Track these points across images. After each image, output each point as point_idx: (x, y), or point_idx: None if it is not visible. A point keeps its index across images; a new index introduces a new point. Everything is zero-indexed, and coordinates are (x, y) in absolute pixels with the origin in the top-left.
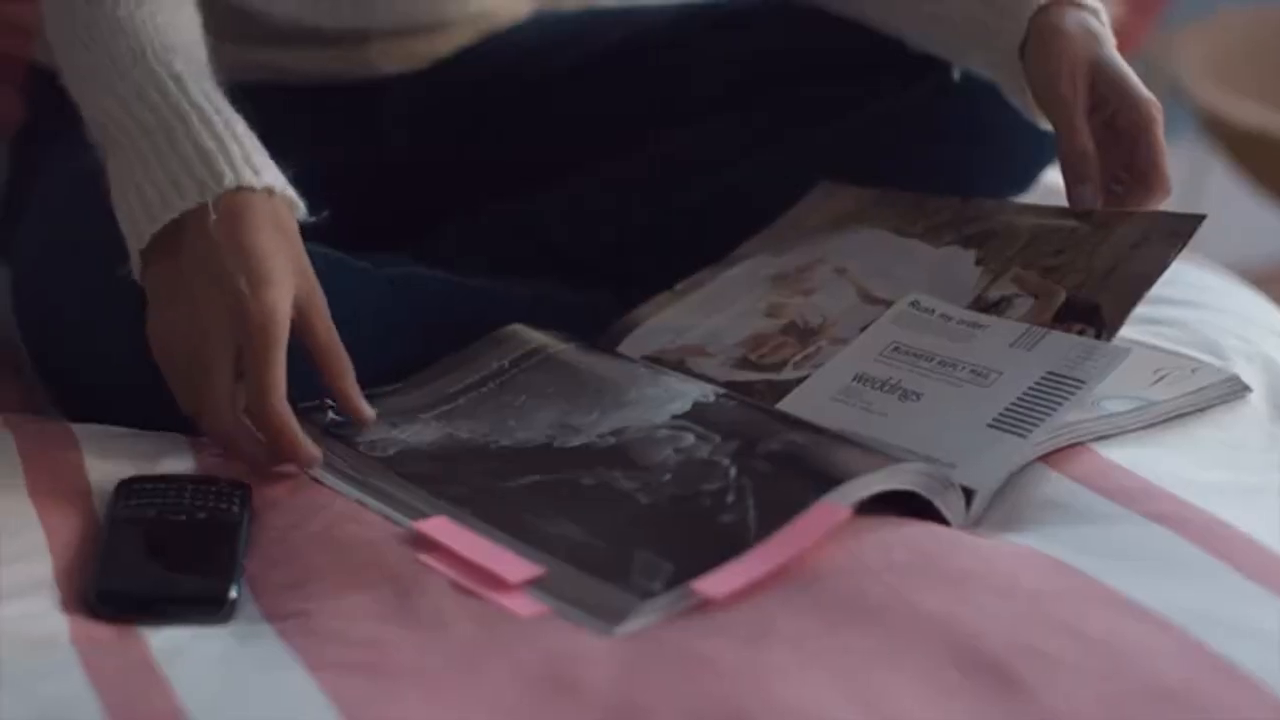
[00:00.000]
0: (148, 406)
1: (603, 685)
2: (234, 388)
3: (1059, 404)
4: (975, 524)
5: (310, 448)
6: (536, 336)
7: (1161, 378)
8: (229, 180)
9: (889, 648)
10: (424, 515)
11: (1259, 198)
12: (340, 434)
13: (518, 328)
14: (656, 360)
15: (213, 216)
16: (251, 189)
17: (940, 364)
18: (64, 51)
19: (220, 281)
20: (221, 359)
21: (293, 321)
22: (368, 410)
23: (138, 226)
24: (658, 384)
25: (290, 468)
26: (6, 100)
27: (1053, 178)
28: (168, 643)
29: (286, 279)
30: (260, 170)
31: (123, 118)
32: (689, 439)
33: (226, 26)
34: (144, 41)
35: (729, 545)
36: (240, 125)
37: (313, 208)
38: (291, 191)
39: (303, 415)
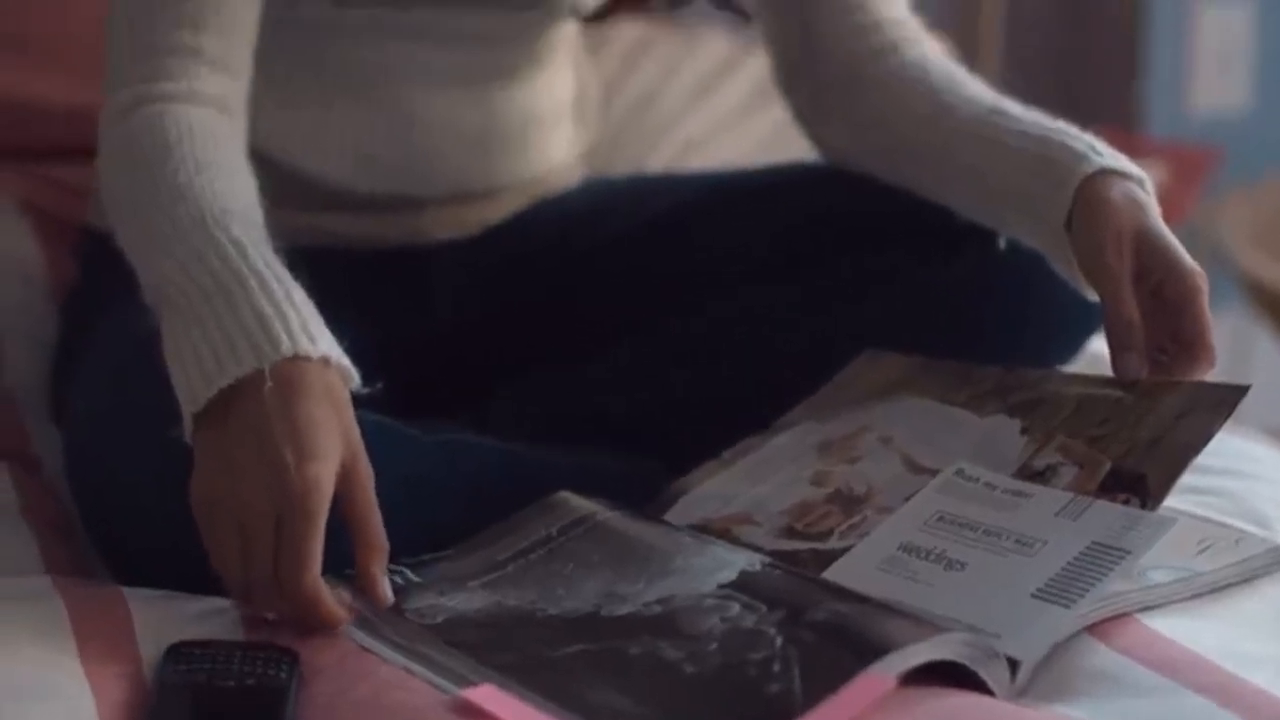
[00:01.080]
0: (198, 570)
1: None
2: (272, 556)
3: (1104, 574)
4: (1020, 694)
5: (340, 616)
6: (584, 504)
7: (1206, 548)
8: (285, 348)
9: None
10: (471, 683)
11: None
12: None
13: (565, 495)
14: (703, 528)
15: (268, 384)
16: (307, 358)
17: (985, 533)
18: (122, 214)
19: (266, 451)
20: (261, 528)
21: (335, 493)
22: (387, 594)
23: (192, 390)
24: (704, 553)
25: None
26: (60, 262)
27: (1098, 346)
28: None
29: (332, 453)
30: (316, 339)
31: (182, 281)
32: (735, 608)
33: (279, 192)
34: (203, 207)
35: (775, 715)
36: (298, 293)
37: (365, 376)
38: (346, 361)
39: (350, 580)
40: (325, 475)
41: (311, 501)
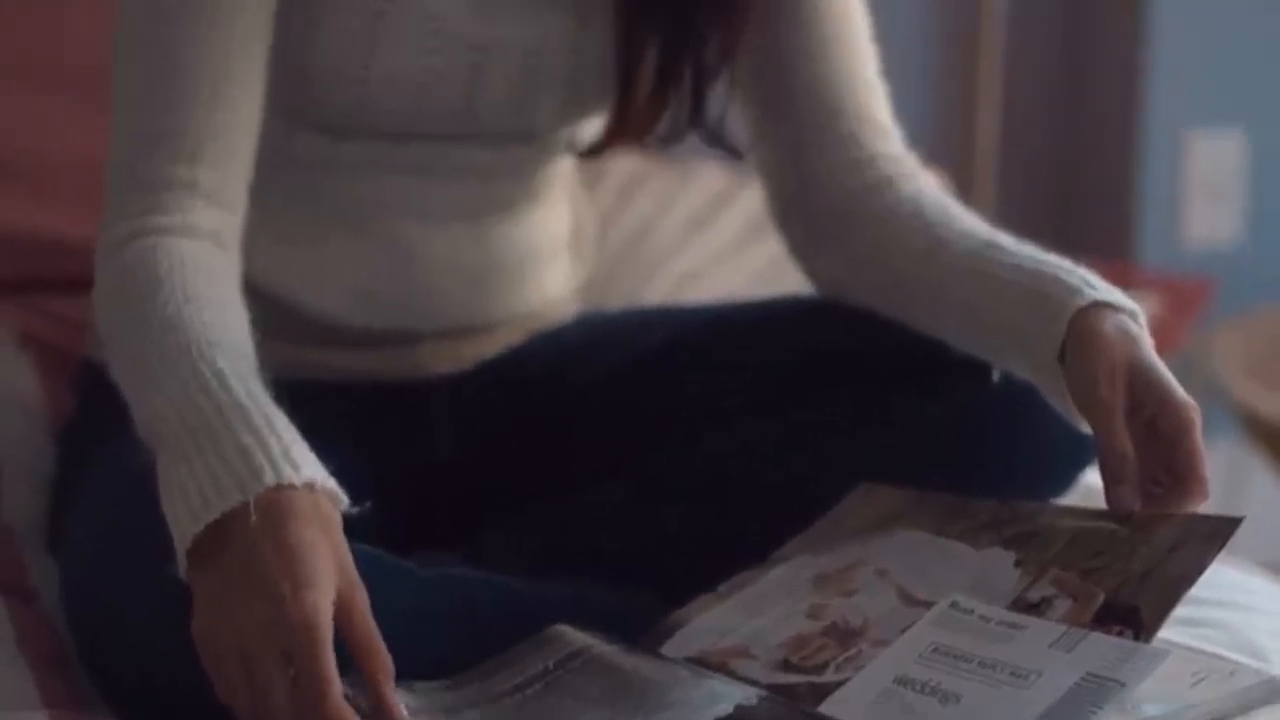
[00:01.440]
0: (196, 704)
1: None
2: (287, 687)
3: (1098, 706)
4: None
5: None
6: (580, 638)
7: (1200, 680)
8: (269, 478)
9: None
10: None
11: None
12: None
13: (562, 629)
14: (699, 661)
15: (253, 516)
16: (291, 485)
17: (980, 665)
18: (115, 348)
19: (261, 584)
20: (268, 662)
21: (334, 617)
22: (402, 714)
23: (182, 526)
24: (700, 686)
25: None
26: (59, 395)
27: (1092, 479)
28: None
29: (327, 579)
30: (300, 465)
31: (170, 417)
32: None
33: (275, 326)
34: (191, 338)
35: None
36: (280, 420)
37: (357, 501)
38: (333, 483)
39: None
40: (322, 601)
41: (315, 629)
